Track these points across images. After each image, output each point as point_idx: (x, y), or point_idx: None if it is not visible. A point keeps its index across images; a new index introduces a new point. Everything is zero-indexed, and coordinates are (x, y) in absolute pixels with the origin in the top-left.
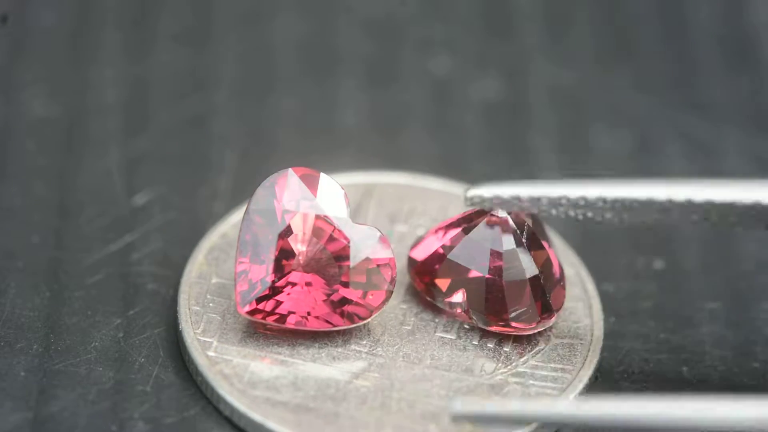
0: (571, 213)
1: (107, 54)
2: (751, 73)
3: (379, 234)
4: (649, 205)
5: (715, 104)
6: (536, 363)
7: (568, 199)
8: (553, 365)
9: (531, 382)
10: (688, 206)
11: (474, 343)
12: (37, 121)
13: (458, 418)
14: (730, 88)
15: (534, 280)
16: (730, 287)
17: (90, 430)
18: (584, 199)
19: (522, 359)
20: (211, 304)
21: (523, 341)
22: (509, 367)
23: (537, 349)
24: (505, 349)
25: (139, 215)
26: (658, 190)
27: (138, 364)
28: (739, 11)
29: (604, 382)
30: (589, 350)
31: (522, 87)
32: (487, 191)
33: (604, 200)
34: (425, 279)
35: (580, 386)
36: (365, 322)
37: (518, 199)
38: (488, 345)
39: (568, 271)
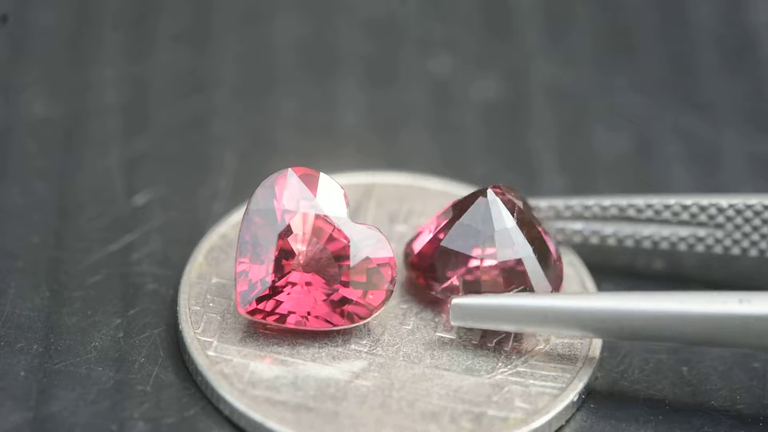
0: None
1: (107, 54)
2: (750, 73)
3: (379, 234)
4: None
5: (715, 104)
6: (536, 362)
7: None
8: (552, 365)
9: (531, 381)
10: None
11: (474, 342)
12: (38, 121)
13: (457, 314)
14: (730, 88)
15: (528, 259)
16: (730, 287)
17: (90, 429)
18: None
19: (522, 359)
20: (211, 304)
21: (523, 341)
22: (509, 366)
23: (537, 348)
24: (505, 348)
25: (139, 215)
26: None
27: (138, 363)
28: (739, 11)
29: (604, 382)
30: (588, 350)
31: (522, 87)
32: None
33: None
34: (422, 271)
35: (580, 386)
36: (365, 321)
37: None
38: (488, 344)
39: (568, 271)
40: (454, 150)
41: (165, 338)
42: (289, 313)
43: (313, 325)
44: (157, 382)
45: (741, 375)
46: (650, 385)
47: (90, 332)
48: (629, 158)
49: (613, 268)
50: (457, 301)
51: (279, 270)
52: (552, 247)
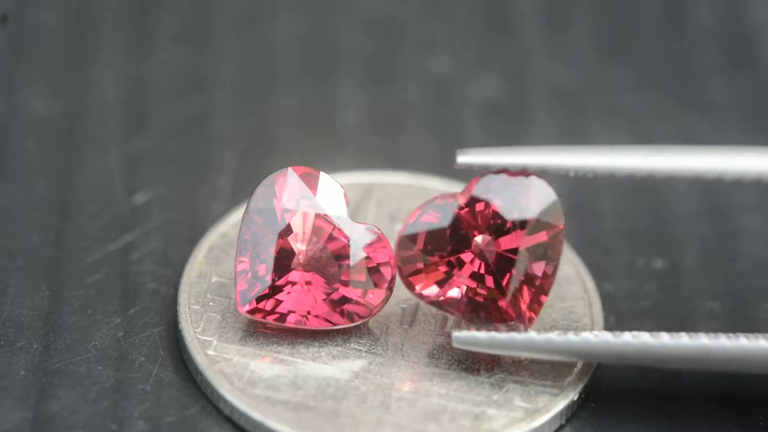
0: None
1: (107, 54)
2: (751, 73)
3: (379, 233)
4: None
5: (715, 104)
6: (536, 362)
7: (559, 168)
8: (553, 364)
9: (531, 380)
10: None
11: None
12: (38, 120)
13: (460, 344)
14: (730, 88)
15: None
16: (730, 287)
17: (90, 428)
18: (574, 169)
19: (522, 358)
20: (210, 303)
21: None
22: (509, 365)
23: None
24: None
25: (139, 214)
26: (646, 160)
27: (138, 363)
28: (739, 11)
29: (604, 381)
30: None
31: (522, 87)
32: (476, 158)
33: (595, 171)
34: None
35: (580, 385)
36: (365, 320)
37: (506, 168)
38: None
39: (569, 271)
40: (454, 149)
41: (165, 337)
42: (289, 312)
43: (313, 324)
44: (157, 381)
45: (741, 375)
46: (650, 385)
47: (90, 331)
48: None
49: (613, 268)
50: (458, 334)
51: (279, 269)
52: None
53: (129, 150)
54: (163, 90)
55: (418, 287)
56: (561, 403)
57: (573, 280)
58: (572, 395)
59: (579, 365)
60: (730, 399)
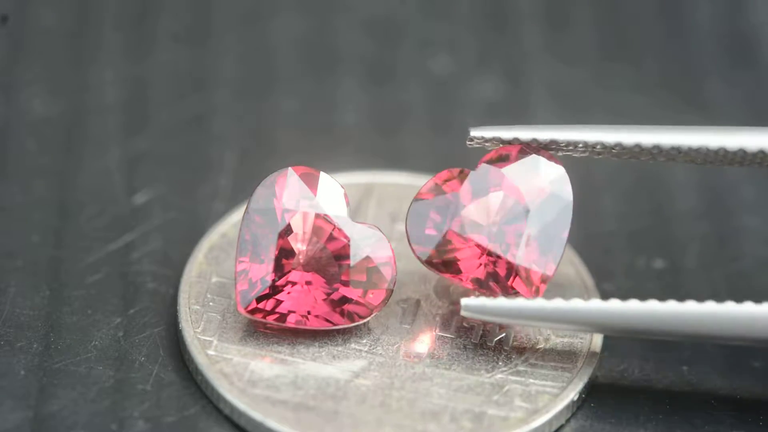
0: (572, 154)
1: (107, 54)
2: (750, 72)
3: (379, 233)
4: (646, 152)
5: (715, 104)
6: (536, 362)
7: (569, 143)
8: (552, 364)
9: (531, 380)
10: (677, 152)
11: (474, 341)
12: (38, 120)
13: (468, 311)
14: (730, 88)
15: None
16: (730, 287)
17: (90, 428)
18: (584, 143)
19: (522, 358)
20: (211, 303)
21: (523, 340)
22: (509, 365)
23: (537, 347)
24: (505, 347)
25: (139, 214)
26: (652, 136)
27: (138, 362)
28: (739, 11)
29: (604, 381)
30: (589, 349)
31: (522, 86)
32: (488, 132)
33: (604, 145)
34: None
35: (580, 385)
36: (365, 320)
37: (518, 141)
38: (488, 344)
39: (569, 270)
40: (454, 150)
41: (165, 337)
42: (289, 312)
43: (313, 324)
44: (157, 381)
45: (741, 374)
46: (650, 385)
47: (90, 331)
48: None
49: (613, 268)
50: (466, 302)
51: (279, 269)
52: None
53: (129, 150)
54: (163, 90)
55: (436, 274)
56: (561, 403)
57: (573, 280)
58: (572, 395)
59: (579, 364)
60: (730, 399)
